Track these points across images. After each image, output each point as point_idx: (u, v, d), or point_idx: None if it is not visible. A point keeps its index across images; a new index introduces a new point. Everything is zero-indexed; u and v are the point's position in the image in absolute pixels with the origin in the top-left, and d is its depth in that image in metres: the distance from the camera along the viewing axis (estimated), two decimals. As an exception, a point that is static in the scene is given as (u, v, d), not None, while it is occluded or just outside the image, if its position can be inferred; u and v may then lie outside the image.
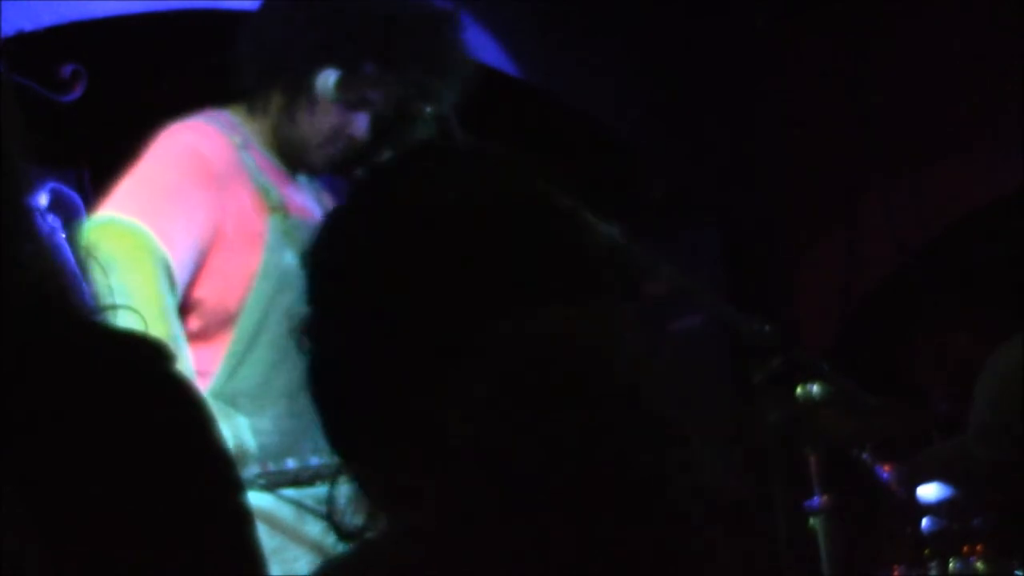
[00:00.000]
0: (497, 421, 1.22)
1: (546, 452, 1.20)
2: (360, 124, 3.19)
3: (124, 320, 1.03)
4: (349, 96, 3.17)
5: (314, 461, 2.76)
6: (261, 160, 3.20)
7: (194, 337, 3.07)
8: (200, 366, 3.03)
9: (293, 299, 3.06)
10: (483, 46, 5.56)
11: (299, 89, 3.17)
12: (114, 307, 1.05)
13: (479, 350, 1.25)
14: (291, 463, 2.88)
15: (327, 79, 3.17)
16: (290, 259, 3.10)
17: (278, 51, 3.17)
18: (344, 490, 2.65)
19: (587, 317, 1.27)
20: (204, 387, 3.01)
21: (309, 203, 3.27)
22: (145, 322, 2.80)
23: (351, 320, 1.35)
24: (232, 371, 3.04)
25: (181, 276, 3.02)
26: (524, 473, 1.20)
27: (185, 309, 3.07)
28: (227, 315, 3.06)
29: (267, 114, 3.23)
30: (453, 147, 1.46)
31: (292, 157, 3.24)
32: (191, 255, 3.04)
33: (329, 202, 3.30)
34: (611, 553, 1.20)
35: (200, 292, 3.08)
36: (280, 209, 3.15)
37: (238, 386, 3.03)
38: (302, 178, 3.31)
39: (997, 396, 4.09)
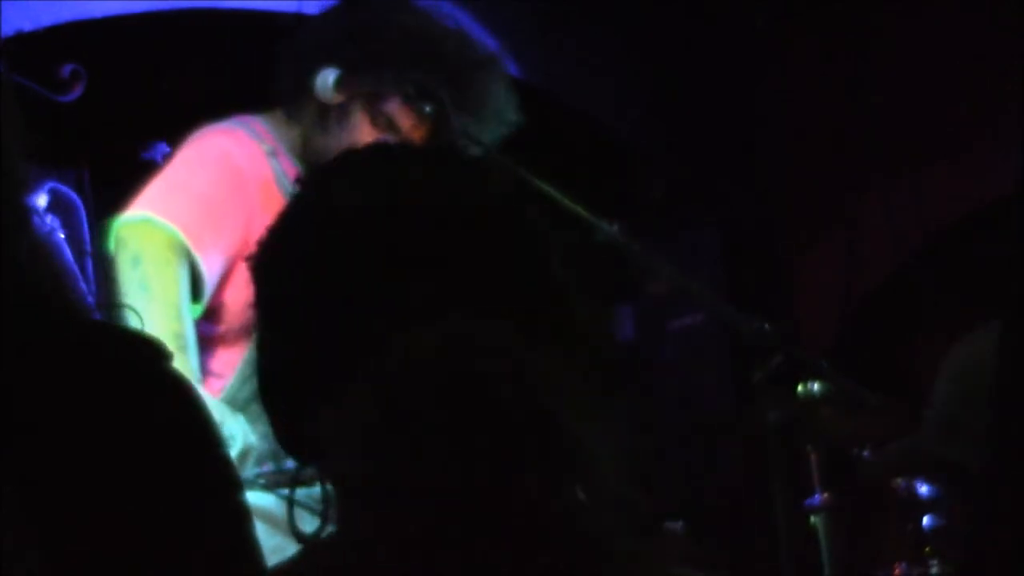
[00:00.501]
0: (383, 440, 1.21)
1: (427, 469, 1.20)
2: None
3: (126, 318, 1.02)
4: (346, 96, 3.18)
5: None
6: (289, 168, 3.21)
7: (217, 341, 3.11)
8: (218, 368, 3.07)
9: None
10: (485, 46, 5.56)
11: (345, 105, 3.18)
12: (116, 305, 1.05)
13: (380, 358, 1.24)
14: (291, 463, 2.88)
15: (327, 78, 3.17)
16: None
17: (317, 63, 3.17)
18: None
19: (489, 333, 1.25)
20: (219, 389, 3.04)
21: None
22: (159, 317, 2.82)
23: (280, 323, 1.37)
24: (246, 378, 3.05)
25: (210, 280, 3.04)
26: (409, 488, 1.20)
27: (210, 313, 3.09)
28: (248, 322, 3.06)
29: (299, 123, 3.23)
30: (408, 148, 1.44)
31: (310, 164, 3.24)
32: (220, 260, 3.06)
33: None
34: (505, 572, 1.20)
35: (225, 297, 3.11)
36: None
37: (251, 393, 3.05)
38: None
39: (958, 394, 4.08)
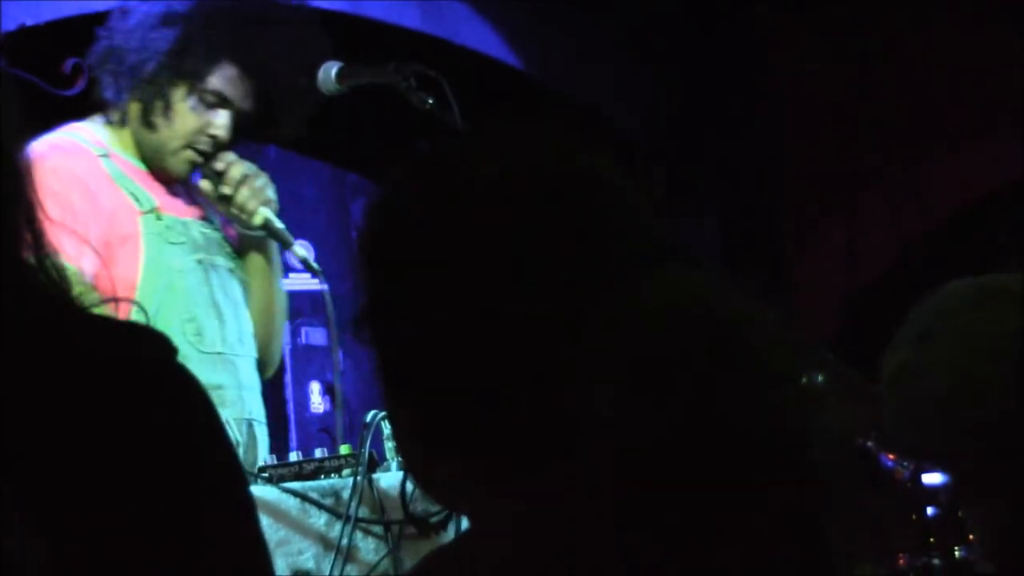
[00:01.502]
0: (623, 401, 1.13)
1: (677, 428, 1.13)
2: (221, 122, 3.21)
3: (127, 313, 1.02)
4: (348, 85, 3.19)
5: (317, 454, 2.76)
6: (126, 166, 3.22)
7: None
8: None
9: (182, 295, 3.10)
10: (485, 38, 5.56)
11: (154, 96, 3.19)
12: (115, 299, 1.05)
13: (589, 326, 1.17)
14: (293, 456, 2.88)
15: (328, 71, 3.19)
16: (170, 256, 3.13)
17: (130, 62, 3.19)
18: (347, 482, 2.65)
19: (689, 281, 1.21)
20: None
21: (184, 202, 3.29)
22: None
23: (431, 308, 1.25)
24: None
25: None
26: (657, 454, 1.12)
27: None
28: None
29: (126, 124, 3.25)
30: (488, 128, 1.38)
31: (154, 163, 3.25)
32: (88, 265, 3.04)
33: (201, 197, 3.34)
34: (749, 532, 1.16)
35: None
36: (152, 211, 3.17)
37: None
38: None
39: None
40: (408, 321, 1.26)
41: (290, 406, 7.04)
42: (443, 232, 1.26)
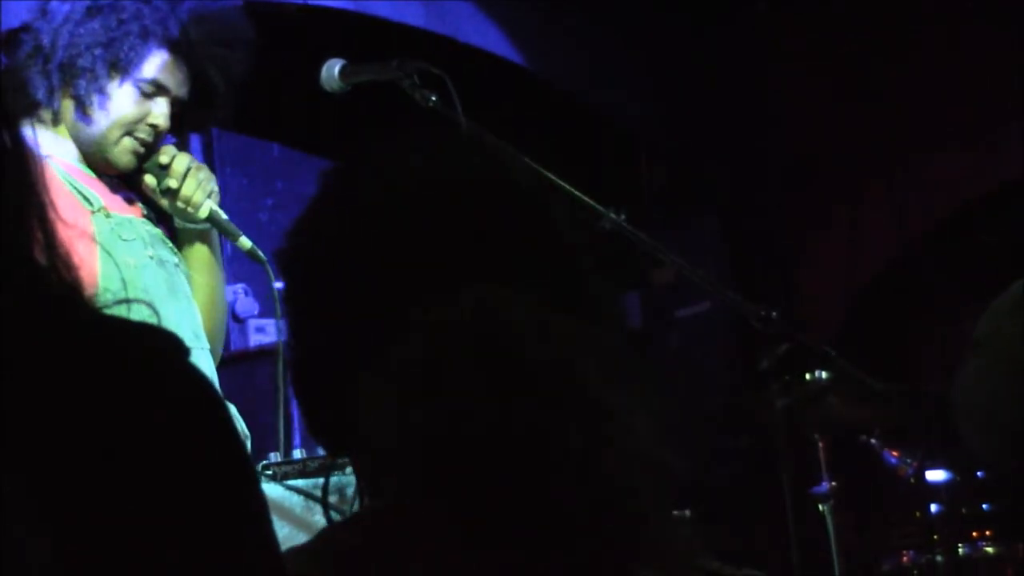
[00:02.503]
0: (424, 405, 1.22)
1: (470, 435, 1.20)
2: (159, 110, 3.20)
3: (137, 313, 1.03)
4: (353, 81, 3.20)
5: (321, 451, 2.76)
6: (69, 167, 3.21)
7: None
8: None
9: (141, 291, 3.08)
10: (488, 35, 5.57)
11: (90, 90, 3.18)
12: (127, 301, 1.05)
13: (410, 333, 1.25)
14: (297, 453, 2.88)
15: (332, 68, 3.18)
16: (125, 253, 3.12)
17: (60, 59, 3.17)
18: (351, 480, 2.66)
19: (513, 299, 1.26)
20: None
21: (125, 201, 3.28)
22: None
23: (310, 312, 1.38)
24: None
25: None
26: (450, 455, 1.20)
27: None
28: None
29: (63, 122, 3.23)
30: (430, 133, 1.44)
31: (96, 159, 3.24)
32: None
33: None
34: (545, 535, 1.20)
35: None
36: (101, 210, 3.17)
37: None
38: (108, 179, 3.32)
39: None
40: (296, 319, 1.40)
41: (294, 404, 7.05)
42: (322, 243, 1.38)
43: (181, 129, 3.30)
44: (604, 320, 1.35)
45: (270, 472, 2.74)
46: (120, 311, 0.98)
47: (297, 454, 2.81)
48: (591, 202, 3.18)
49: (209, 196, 3.22)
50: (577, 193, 3.15)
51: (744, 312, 3.38)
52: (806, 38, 6.42)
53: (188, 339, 3.15)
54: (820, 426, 3.85)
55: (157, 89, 3.17)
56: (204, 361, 3.23)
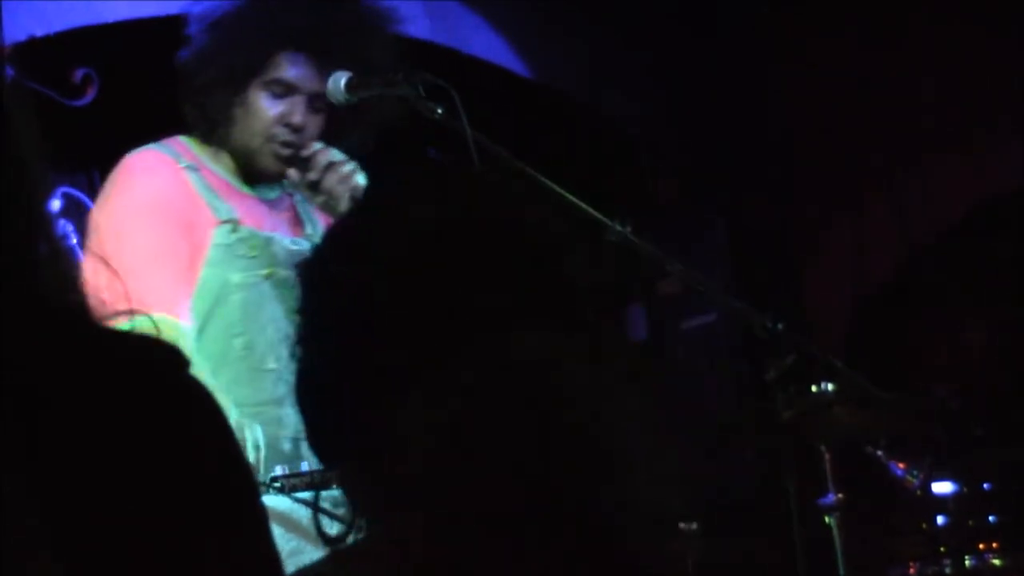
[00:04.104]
0: (449, 444, 1.25)
1: (492, 478, 1.24)
2: (295, 108, 3.21)
3: (140, 325, 1.03)
4: (361, 94, 3.20)
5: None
6: (213, 178, 3.24)
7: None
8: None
9: (234, 308, 3.10)
10: (495, 47, 5.57)
11: (226, 101, 3.22)
12: (131, 312, 1.05)
13: (443, 372, 1.28)
14: (305, 465, 2.88)
15: (338, 80, 3.19)
16: (231, 269, 3.14)
17: (198, 76, 3.21)
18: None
19: (550, 347, 1.29)
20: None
21: (271, 216, 3.31)
22: None
23: (331, 330, 1.38)
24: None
25: (188, 321, 3.06)
26: (468, 498, 1.24)
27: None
28: None
29: (214, 134, 3.28)
30: (452, 166, 1.46)
31: (247, 168, 3.28)
32: (183, 294, 3.07)
33: (318, 216, 3.36)
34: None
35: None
36: (230, 221, 3.18)
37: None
38: (275, 194, 3.34)
39: None
40: (315, 342, 1.41)
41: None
42: (348, 269, 1.39)
43: (340, 142, 3.31)
44: (612, 360, 1.36)
45: (278, 484, 2.74)
46: (123, 323, 0.99)
47: (305, 466, 2.81)
48: (597, 214, 3.18)
49: (353, 191, 3.23)
50: (583, 205, 3.15)
51: (750, 323, 3.38)
52: (811, 44, 6.42)
53: (268, 362, 3.13)
54: (826, 437, 3.84)
55: (287, 88, 3.20)
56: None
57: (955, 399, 5.32)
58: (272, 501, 2.65)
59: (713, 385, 6.19)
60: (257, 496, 1.02)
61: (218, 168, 3.26)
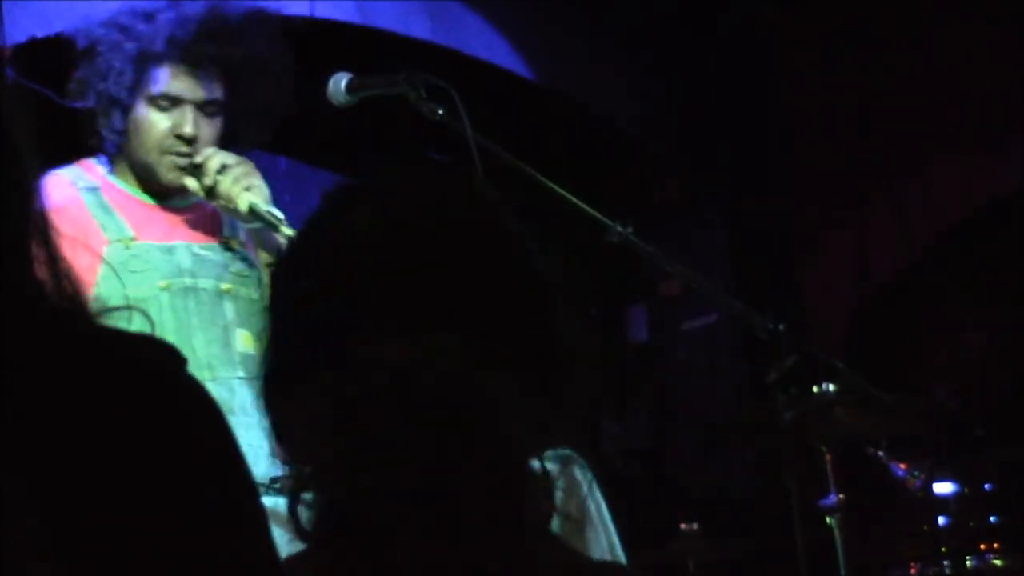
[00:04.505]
0: (338, 432, 1.33)
1: (370, 471, 1.32)
2: (184, 120, 3.26)
3: (135, 323, 1.03)
4: (362, 94, 3.21)
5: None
6: (117, 196, 3.29)
7: None
8: None
9: (133, 322, 3.13)
10: (495, 47, 5.57)
11: (116, 121, 3.27)
12: (127, 307, 1.05)
13: (344, 363, 1.34)
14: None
15: (338, 82, 3.19)
16: (126, 284, 3.16)
17: (86, 103, 3.27)
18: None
19: (454, 353, 1.33)
20: None
21: (179, 227, 3.33)
22: None
23: (278, 323, 1.44)
24: None
25: None
26: (356, 490, 1.34)
27: None
28: None
29: (120, 154, 3.33)
30: (425, 167, 1.49)
31: (149, 180, 3.32)
32: None
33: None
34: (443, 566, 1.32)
35: None
36: (121, 240, 3.19)
37: None
38: (186, 203, 3.37)
39: None
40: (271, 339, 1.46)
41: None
42: (288, 269, 1.47)
43: (239, 147, 3.34)
44: (577, 361, 1.40)
45: (278, 485, 2.74)
46: (120, 321, 0.99)
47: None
48: (598, 215, 3.18)
49: (248, 190, 3.25)
50: (583, 206, 3.15)
51: (751, 324, 3.38)
52: (812, 47, 6.42)
53: (203, 368, 3.15)
54: (827, 438, 3.84)
55: (172, 100, 3.23)
56: (225, 390, 3.22)
57: (955, 400, 5.33)
58: (272, 502, 2.65)
59: (713, 386, 6.19)
60: (256, 495, 1.02)
61: (125, 185, 3.31)
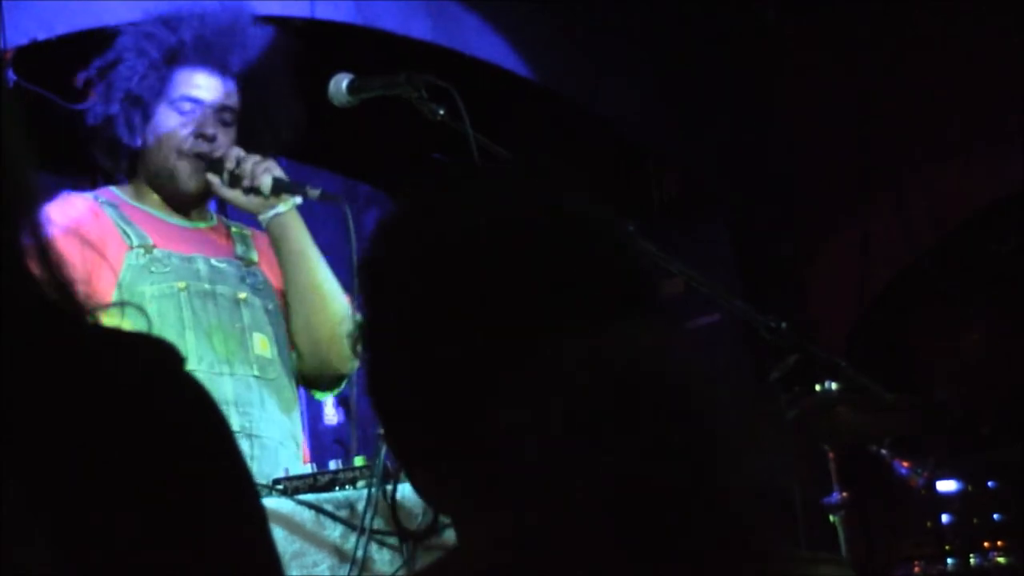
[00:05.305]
0: (551, 441, 1.21)
1: (599, 473, 1.19)
2: (205, 121, 3.30)
3: (133, 322, 1.03)
4: (363, 96, 3.21)
5: (331, 466, 2.76)
6: (135, 212, 3.31)
7: None
8: None
9: (151, 317, 3.13)
10: (496, 48, 5.57)
11: (140, 125, 3.30)
12: (122, 304, 1.05)
13: (532, 369, 1.25)
14: (307, 468, 2.88)
15: (340, 83, 3.19)
16: (145, 283, 3.19)
17: (95, 126, 3.30)
18: (362, 494, 2.65)
19: (638, 334, 1.26)
20: None
21: (196, 242, 3.36)
22: None
23: (403, 331, 1.35)
24: None
25: None
26: (578, 493, 1.19)
27: None
28: None
29: (135, 175, 3.36)
30: (499, 161, 1.45)
31: (170, 191, 3.35)
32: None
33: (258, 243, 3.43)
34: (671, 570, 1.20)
35: None
36: (143, 246, 3.23)
37: None
38: (205, 224, 3.42)
39: None
40: (386, 345, 1.38)
41: (304, 418, 7.04)
42: (424, 271, 1.36)
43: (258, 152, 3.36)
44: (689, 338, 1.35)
45: (281, 487, 2.73)
46: (114, 318, 0.99)
47: (307, 468, 2.81)
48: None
49: (267, 171, 3.28)
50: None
51: (754, 323, 3.38)
52: (815, 48, 6.42)
53: (215, 364, 3.17)
54: (830, 437, 3.84)
55: (192, 103, 3.25)
56: (238, 386, 3.22)
57: (956, 402, 5.33)
58: (274, 503, 2.65)
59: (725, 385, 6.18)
60: (256, 494, 1.02)
61: (143, 205, 3.35)
